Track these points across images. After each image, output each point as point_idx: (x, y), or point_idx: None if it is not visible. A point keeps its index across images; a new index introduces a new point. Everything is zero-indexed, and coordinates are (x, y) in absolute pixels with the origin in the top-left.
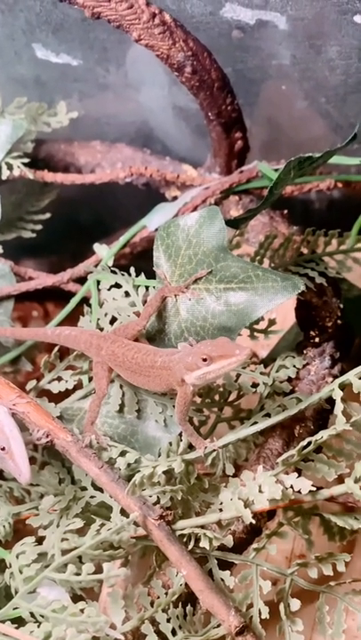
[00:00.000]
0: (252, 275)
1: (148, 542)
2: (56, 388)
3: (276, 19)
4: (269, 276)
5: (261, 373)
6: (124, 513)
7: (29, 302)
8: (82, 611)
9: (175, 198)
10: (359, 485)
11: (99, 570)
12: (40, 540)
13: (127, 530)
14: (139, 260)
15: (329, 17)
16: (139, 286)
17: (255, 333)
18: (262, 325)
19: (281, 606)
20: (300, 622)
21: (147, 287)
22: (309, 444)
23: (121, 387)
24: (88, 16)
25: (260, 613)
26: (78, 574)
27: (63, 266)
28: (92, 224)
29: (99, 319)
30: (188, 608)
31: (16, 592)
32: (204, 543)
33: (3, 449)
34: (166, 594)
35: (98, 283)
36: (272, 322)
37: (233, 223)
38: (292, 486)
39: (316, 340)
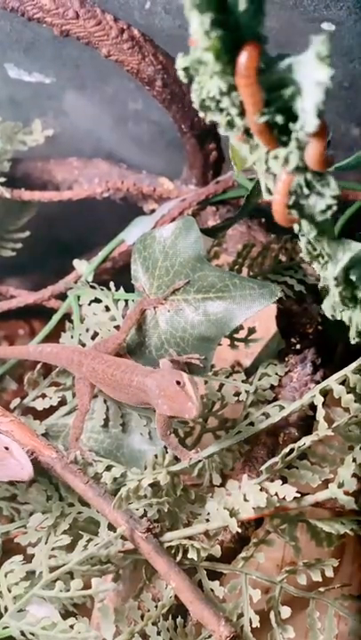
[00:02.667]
0: (229, 283)
1: (136, 556)
2: (40, 405)
3: None
4: (246, 284)
5: (244, 381)
6: (111, 528)
7: (15, 321)
8: (72, 627)
9: (153, 211)
10: (343, 490)
11: (90, 586)
12: (29, 558)
13: (115, 544)
14: (121, 275)
15: (297, 25)
16: (118, 300)
17: (235, 342)
18: (243, 334)
19: (272, 614)
20: (292, 629)
21: (126, 301)
22: (293, 450)
23: (105, 401)
24: (57, 34)
25: (250, 622)
26: (68, 590)
27: (46, 283)
28: (73, 240)
29: (80, 334)
30: (179, 620)
31: (6, 610)
32: (192, 554)
33: (6, 448)
34: (156, 607)
35: (78, 298)
36: (252, 330)
37: (210, 232)
38: (276, 494)
39: (298, 346)
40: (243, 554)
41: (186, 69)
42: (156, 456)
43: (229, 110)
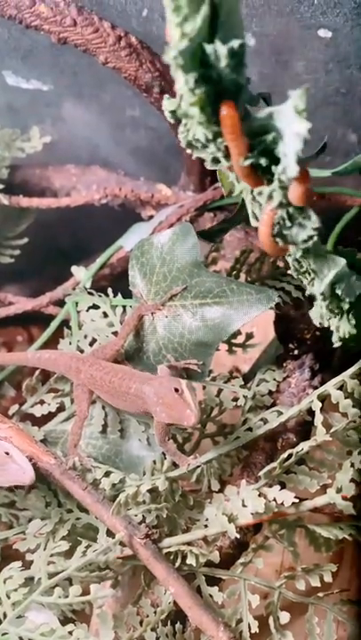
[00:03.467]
0: (226, 289)
1: (135, 562)
2: (39, 411)
3: None
4: (244, 289)
5: (242, 387)
6: (110, 534)
7: (14, 327)
8: (70, 633)
9: (151, 217)
10: (341, 495)
11: (89, 592)
12: (28, 565)
13: (113, 550)
14: (119, 281)
15: (293, 32)
16: (116, 306)
17: (233, 348)
18: (241, 340)
19: (271, 620)
20: (291, 635)
21: (124, 307)
22: (291, 456)
23: (103, 407)
24: (55, 41)
25: (249, 628)
26: (67, 597)
27: (45, 289)
28: (71, 246)
29: (79, 341)
30: (178, 626)
31: (5, 617)
32: (190, 560)
33: (7, 453)
34: (155, 612)
35: (76, 305)
36: (250, 336)
37: (206, 235)
38: (275, 499)
39: (296, 352)
40: (241, 559)
41: (173, 112)
42: (154, 462)
43: (215, 153)
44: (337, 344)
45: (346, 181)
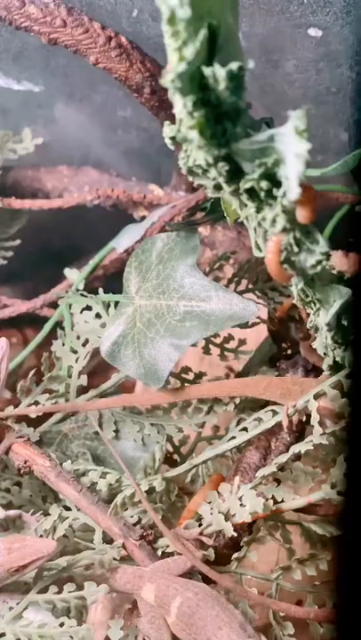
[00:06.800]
0: (213, 294)
1: (131, 563)
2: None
3: None
4: (229, 298)
5: None
6: (105, 535)
7: (7, 329)
8: (61, 625)
9: (143, 218)
10: (336, 491)
11: None
12: None
13: (109, 552)
14: (112, 282)
15: (284, 31)
16: (109, 307)
17: (225, 352)
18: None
19: (270, 612)
20: (291, 626)
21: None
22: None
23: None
24: (45, 42)
25: (250, 622)
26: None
27: (39, 291)
28: (64, 247)
29: (72, 342)
30: None
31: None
32: None
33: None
34: None
35: (70, 306)
36: (242, 341)
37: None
38: (273, 497)
39: (289, 351)
40: (235, 555)
41: (172, 138)
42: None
43: (217, 179)
44: (328, 371)
45: (337, 178)
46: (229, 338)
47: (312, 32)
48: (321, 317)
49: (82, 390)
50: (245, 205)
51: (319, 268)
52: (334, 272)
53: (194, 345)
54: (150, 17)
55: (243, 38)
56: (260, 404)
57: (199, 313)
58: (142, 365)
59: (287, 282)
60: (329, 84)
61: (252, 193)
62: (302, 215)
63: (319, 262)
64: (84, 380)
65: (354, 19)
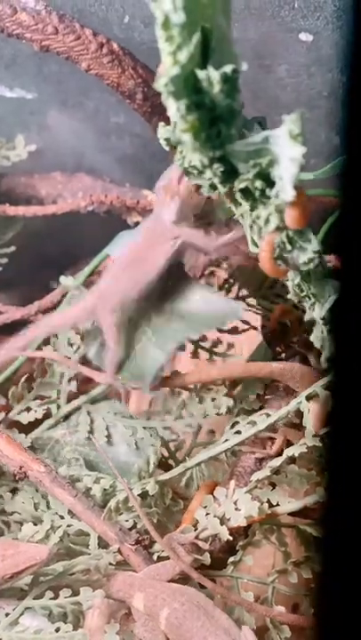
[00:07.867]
0: (199, 298)
1: (127, 567)
2: (25, 418)
3: None
4: (215, 303)
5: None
6: (101, 541)
7: (2, 336)
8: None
9: (137, 224)
10: None
11: None
12: None
13: (105, 557)
14: None
15: (275, 36)
16: None
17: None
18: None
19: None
20: (287, 629)
21: None
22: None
23: (89, 413)
24: (37, 49)
25: None
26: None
27: (33, 297)
28: (59, 254)
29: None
30: None
31: None
32: None
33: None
34: None
35: None
36: (231, 345)
37: None
38: (268, 500)
39: (283, 355)
40: (231, 559)
41: (167, 140)
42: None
43: (212, 179)
44: (325, 365)
45: (331, 182)
46: (217, 342)
47: (303, 37)
48: (316, 311)
49: (72, 396)
50: (240, 204)
51: (312, 265)
52: (330, 265)
53: (182, 349)
54: (142, 23)
55: (235, 43)
56: (255, 409)
57: (184, 314)
58: (128, 368)
59: (282, 277)
60: (321, 89)
61: (246, 192)
62: (292, 217)
63: (311, 260)
64: (74, 386)
65: (344, 23)
